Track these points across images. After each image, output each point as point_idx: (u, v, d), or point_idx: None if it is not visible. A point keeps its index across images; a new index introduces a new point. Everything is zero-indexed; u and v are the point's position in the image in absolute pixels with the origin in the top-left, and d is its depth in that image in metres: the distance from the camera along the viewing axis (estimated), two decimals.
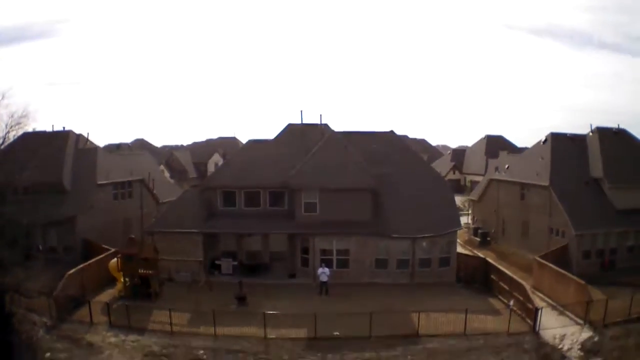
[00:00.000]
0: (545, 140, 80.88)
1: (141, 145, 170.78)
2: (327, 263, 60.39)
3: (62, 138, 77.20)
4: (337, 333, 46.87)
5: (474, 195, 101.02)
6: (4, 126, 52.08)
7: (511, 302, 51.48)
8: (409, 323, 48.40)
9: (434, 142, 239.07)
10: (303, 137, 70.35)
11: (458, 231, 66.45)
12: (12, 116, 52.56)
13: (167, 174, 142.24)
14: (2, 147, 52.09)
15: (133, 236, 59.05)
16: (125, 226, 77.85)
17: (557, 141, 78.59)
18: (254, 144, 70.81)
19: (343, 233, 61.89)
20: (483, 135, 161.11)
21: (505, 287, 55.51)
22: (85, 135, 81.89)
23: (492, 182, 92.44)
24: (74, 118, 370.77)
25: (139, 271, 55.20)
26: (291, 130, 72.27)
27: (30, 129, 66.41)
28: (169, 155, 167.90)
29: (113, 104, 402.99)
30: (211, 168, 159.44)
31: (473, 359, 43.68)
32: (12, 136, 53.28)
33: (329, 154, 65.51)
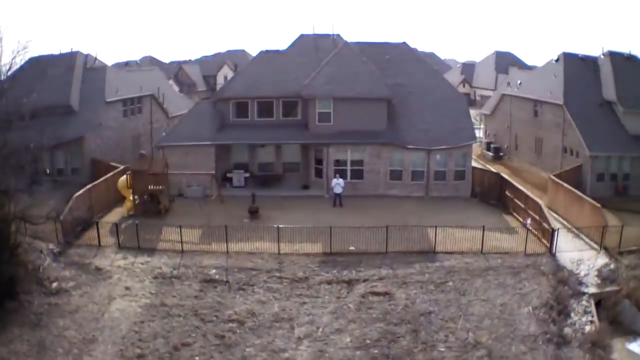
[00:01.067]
0: (558, 59, 77.80)
1: (150, 62, 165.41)
2: (341, 174, 57.99)
3: (70, 59, 73.26)
4: (353, 248, 44.51)
5: (486, 109, 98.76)
6: (10, 52, 48.85)
7: (528, 221, 48.62)
8: (425, 238, 45.91)
9: (442, 56, 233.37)
10: (316, 48, 67.14)
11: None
12: (18, 41, 49.48)
13: (176, 89, 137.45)
14: (10, 73, 48.89)
15: (144, 152, 56.27)
16: (135, 143, 75.70)
17: (569, 61, 75.35)
18: (266, 54, 67.25)
19: (357, 143, 59.30)
20: (492, 51, 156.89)
21: (521, 204, 52.71)
22: (94, 55, 78.60)
23: (505, 97, 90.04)
24: (81, 39, 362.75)
25: (149, 187, 52.54)
26: (303, 41, 68.73)
27: (36, 54, 64.22)
28: (177, 70, 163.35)
29: (119, 22, 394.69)
30: (220, 81, 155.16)
31: (491, 280, 41.16)
32: (19, 61, 50.09)
33: (342, 63, 62.08)
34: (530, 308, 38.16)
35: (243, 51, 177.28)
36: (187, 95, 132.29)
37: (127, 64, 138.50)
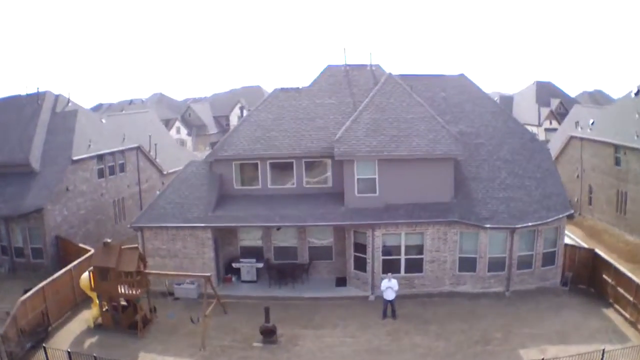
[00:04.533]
0: (638, 92, 63.33)
1: (159, 99, 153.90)
2: (393, 266, 41.11)
3: (35, 102, 58.94)
4: None
5: None
6: None
7: None
8: None
9: None
10: (349, 84, 49.66)
11: None
12: None
13: (183, 131, 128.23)
14: None
15: (108, 240, 39.14)
16: (119, 209, 62.23)
17: None
18: (282, 93, 49.16)
19: (415, 223, 41.48)
20: (532, 82, 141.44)
21: (628, 296, 37.42)
22: (66, 96, 62.98)
23: (573, 139, 74.25)
24: (86, 78, 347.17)
25: (119, 291, 36.59)
26: (332, 74, 50.74)
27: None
28: (185, 109, 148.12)
29: (130, 59, 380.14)
30: (234, 121, 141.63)
31: None
32: None
33: (389, 106, 44.47)
34: None
35: (259, 87, 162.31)
36: (196, 138, 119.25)
37: (131, 102, 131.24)
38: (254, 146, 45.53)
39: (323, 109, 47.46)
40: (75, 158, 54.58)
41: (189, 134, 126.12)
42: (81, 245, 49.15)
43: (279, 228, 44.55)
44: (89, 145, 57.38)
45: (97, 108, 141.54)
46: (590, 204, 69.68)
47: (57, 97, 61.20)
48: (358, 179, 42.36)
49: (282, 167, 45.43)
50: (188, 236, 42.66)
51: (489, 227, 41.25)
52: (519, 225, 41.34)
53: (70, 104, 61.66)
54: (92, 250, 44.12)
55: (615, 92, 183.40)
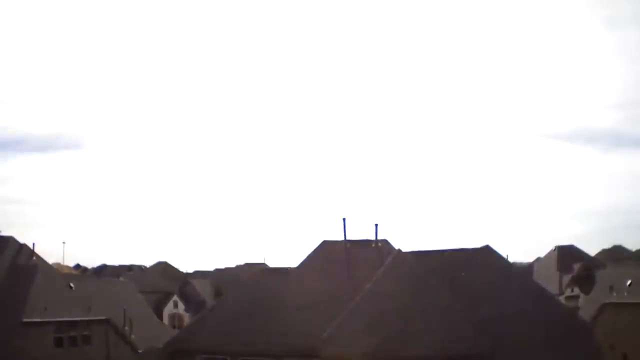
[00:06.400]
0: None
1: (163, 269, 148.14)
2: None
3: None
4: None
5: None
6: None
7: None
8: None
9: None
10: (348, 264, 41.12)
11: None
12: None
13: (181, 306, 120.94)
14: None
15: None
16: None
17: None
18: (265, 275, 41.32)
19: None
20: (553, 247, 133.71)
21: None
22: (30, 246, 58.81)
23: (607, 306, 65.45)
24: (100, 236, 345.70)
25: None
26: (327, 251, 42.86)
27: None
28: (183, 284, 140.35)
29: (145, 223, 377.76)
30: None
31: None
32: None
33: (396, 292, 35.52)
34: None
35: (263, 265, 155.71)
36: (193, 316, 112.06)
37: (130, 268, 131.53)
38: (222, 339, 37.41)
39: (313, 296, 39.04)
40: (25, 320, 48.41)
41: (186, 310, 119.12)
42: None
43: None
44: (45, 309, 50.49)
45: (102, 269, 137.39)
46: None
47: (21, 246, 57.40)
48: None
49: None
50: None
51: None
52: None
53: (35, 258, 57.31)
54: None
55: (633, 244, 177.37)
